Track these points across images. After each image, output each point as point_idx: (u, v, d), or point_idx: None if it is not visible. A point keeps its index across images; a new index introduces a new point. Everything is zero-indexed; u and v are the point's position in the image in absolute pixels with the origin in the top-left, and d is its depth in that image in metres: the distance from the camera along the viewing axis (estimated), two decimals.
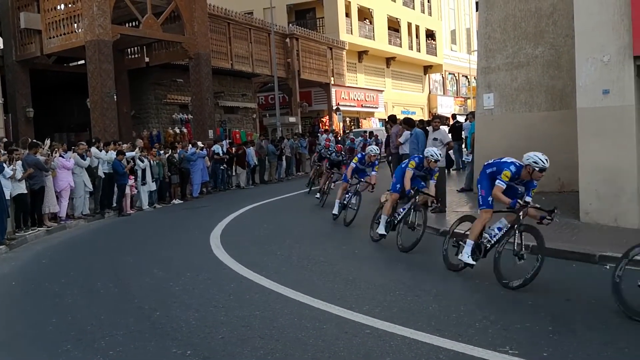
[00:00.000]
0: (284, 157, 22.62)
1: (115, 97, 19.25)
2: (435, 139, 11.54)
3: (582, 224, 9.18)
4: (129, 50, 24.49)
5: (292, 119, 30.72)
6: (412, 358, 4.44)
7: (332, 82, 33.74)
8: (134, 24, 22.25)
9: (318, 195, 13.79)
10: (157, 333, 5.35)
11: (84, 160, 13.33)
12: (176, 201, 16.35)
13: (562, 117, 11.87)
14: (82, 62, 21.32)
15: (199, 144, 18.12)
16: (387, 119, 15.79)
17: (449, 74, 50.64)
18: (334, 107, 33.42)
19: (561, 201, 11.09)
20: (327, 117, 33.88)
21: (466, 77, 51.82)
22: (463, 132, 17.47)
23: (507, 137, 12.67)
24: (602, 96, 9.03)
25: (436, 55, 46.40)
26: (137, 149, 15.19)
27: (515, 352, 4.42)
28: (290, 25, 32.71)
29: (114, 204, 14.43)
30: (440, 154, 9.64)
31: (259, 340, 4.97)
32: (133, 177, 14.82)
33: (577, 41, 9.35)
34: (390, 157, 14.29)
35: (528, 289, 5.99)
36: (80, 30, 19.45)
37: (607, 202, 9.06)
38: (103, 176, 14.04)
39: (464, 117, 21.41)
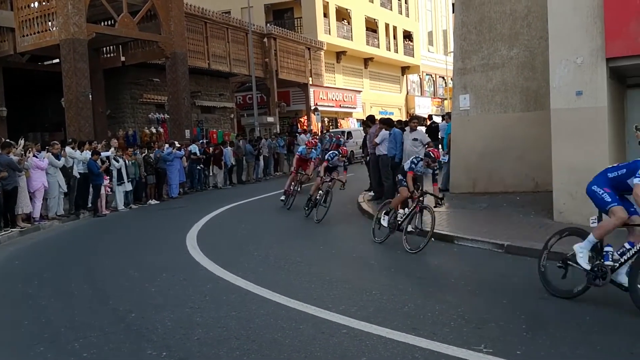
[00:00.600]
0: (261, 157, 22.57)
1: (90, 96, 19.02)
2: (415, 139, 11.61)
3: (556, 223, 9.30)
4: (104, 49, 24.21)
5: (270, 119, 30.66)
6: (388, 357, 4.46)
7: (310, 82, 33.75)
8: (109, 22, 22.01)
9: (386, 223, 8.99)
10: (132, 334, 5.30)
11: (59, 160, 13.15)
12: (152, 202, 16.21)
13: (537, 118, 12.03)
14: (57, 60, 21.02)
15: (176, 143, 18.00)
16: (365, 120, 15.84)
17: (426, 74, 50.97)
18: (312, 107, 33.44)
19: (536, 201, 11.26)
20: (306, 117, 33.88)
21: (443, 78, 52.20)
22: (440, 133, 17.58)
23: (482, 138, 12.82)
24: (576, 97, 9.17)
25: (413, 56, 46.67)
26: (112, 149, 15.04)
27: (490, 350, 4.46)
28: (268, 25, 32.63)
29: (89, 205, 14.26)
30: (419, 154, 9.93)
31: (235, 341, 4.95)
32: (108, 177, 14.67)
33: (551, 43, 9.48)
34: (368, 158, 14.32)
35: (503, 287, 6.06)
36: (54, 28, 19.19)
37: (581, 201, 9.13)
38: (78, 176, 13.87)
39: (440, 117, 21.57)
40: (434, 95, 51.93)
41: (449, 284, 6.58)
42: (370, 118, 14.55)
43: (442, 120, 18.64)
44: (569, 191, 9.28)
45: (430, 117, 21.80)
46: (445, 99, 49.43)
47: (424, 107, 46.46)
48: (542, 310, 5.47)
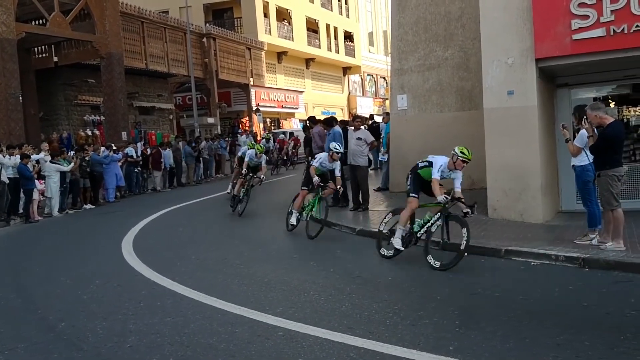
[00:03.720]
0: (201, 159, 22.25)
1: (20, 98, 18.35)
2: (359, 139, 11.65)
3: (490, 219, 9.54)
4: (36, 49, 23.44)
5: (210, 120, 30.32)
6: (323, 358, 4.45)
7: (252, 83, 33.55)
8: (41, 21, 21.28)
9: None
10: (61, 344, 5.11)
11: None
12: (88, 206, 15.71)
13: (472, 117, 12.30)
14: None
15: (113, 146, 17.53)
16: (306, 120, 15.85)
17: (368, 75, 51.45)
18: (254, 108, 33.23)
19: (471, 198, 11.46)
20: (247, 118, 33.65)
21: (384, 78, 52.76)
22: (380, 132, 17.76)
23: (420, 137, 13.01)
24: (507, 97, 9.41)
25: (354, 57, 47.05)
26: (42, 152, 14.50)
27: (423, 347, 4.52)
28: (207, 24, 32.25)
29: (21, 211, 13.71)
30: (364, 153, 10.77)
31: (169, 347, 4.84)
32: (43, 182, 14.16)
33: (483, 44, 9.71)
34: (310, 158, 14.31)
35: (438, 283, 6.16)
36: None
37: (513, 198, 9.45)
38: (7, 182, 13.30)
39: (381, 117, 21.83)
40: (376, 95, 52.48)
41: (385, 282, 6.64)
42: (312, 119, 14.58)
43: (382, 120, 18.86)
44: (503, 188, 9.53)
45: (371, 116, 22.00)
46: (387, 99, 49.97)
47: (366, 107, 46.90)
48: (475, 306, 5.59)
